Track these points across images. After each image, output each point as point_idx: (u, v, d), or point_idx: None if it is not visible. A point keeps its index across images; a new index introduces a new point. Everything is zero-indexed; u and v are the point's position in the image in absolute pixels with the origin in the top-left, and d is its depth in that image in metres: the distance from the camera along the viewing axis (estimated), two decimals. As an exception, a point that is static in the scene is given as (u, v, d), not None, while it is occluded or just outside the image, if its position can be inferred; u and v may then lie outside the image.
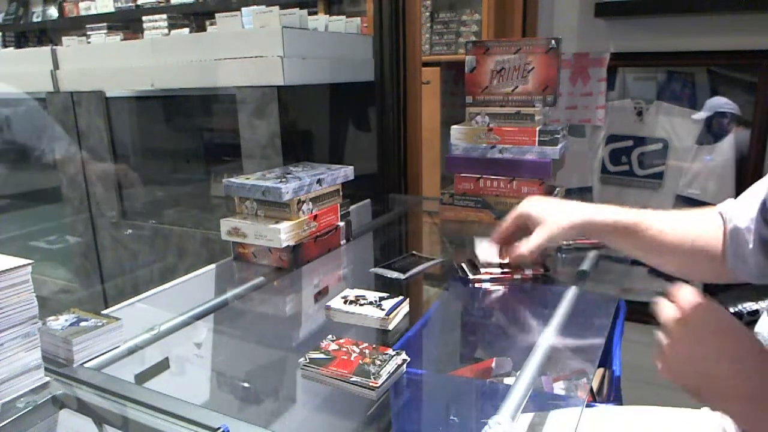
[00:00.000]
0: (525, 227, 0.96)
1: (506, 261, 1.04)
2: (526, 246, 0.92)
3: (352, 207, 1.37)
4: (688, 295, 0.62)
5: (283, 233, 1.10)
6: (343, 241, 1.31)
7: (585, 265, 1.12)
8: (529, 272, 1.11)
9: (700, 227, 0.84)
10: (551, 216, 0.92)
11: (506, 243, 1.01)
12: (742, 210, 0.79)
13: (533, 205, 0.96)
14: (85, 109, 1.89)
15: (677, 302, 0.62)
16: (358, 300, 0.97)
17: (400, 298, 0.97)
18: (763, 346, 0.60)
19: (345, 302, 0.96)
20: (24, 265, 0.66)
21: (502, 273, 1.11)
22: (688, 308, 0.61)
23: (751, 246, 0.75)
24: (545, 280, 1.10)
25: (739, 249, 0.78)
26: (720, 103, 1.83)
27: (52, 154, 2.04)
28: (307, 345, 0.82)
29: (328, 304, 0.96)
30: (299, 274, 1.17)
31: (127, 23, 2.63)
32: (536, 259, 1.04)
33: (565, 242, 1.26)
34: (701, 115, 1.83)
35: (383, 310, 0.93)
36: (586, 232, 0.93)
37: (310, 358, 0.78)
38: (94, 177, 1.93)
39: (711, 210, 0.87)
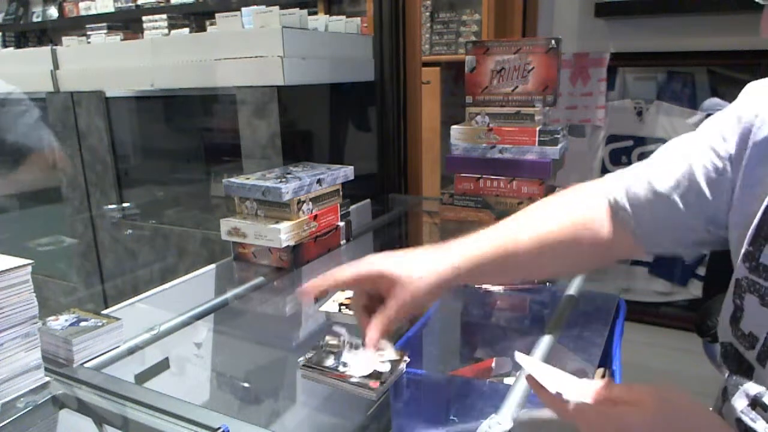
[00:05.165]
0: (373, 291, 0.73)
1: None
2: (381, 321, 0.69)
3: (352, 207, 1.37)
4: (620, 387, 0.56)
5: (283, 233, 1.10)
6: (343, 241, 1.30)
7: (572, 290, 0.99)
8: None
9: (576, 215, 0.76)
10: (409, 276, 0.70)
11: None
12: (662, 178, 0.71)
13: (382, 262, 0.73)
14: (85, 109, 1.89)
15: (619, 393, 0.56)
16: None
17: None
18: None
19: (339, 307, 0.96)
20: (24, 265, 0.66)
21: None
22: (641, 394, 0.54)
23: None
24: (545, 280, 1.10)
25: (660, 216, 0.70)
26: (711, 104, 1.83)
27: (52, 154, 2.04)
28: (307, 345, 0.82)
29: (320, 309, 0.95)
30: (299, 274, 1.17)
31: (127, 23, 2.63)
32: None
33: None
34: (696, 118, 1.84)
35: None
36: (451, 283, 0.73)
37: (309, 358, 0.78)
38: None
39: (590, 188, 0.79)
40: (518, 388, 0.67)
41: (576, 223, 0.75)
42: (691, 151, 0.70)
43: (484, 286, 1.10)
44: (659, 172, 0.72)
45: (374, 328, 0.70)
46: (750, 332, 0.60)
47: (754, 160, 0.62)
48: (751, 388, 0.58)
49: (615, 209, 0.74)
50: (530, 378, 0.59)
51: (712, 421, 0.55)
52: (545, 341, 0.79)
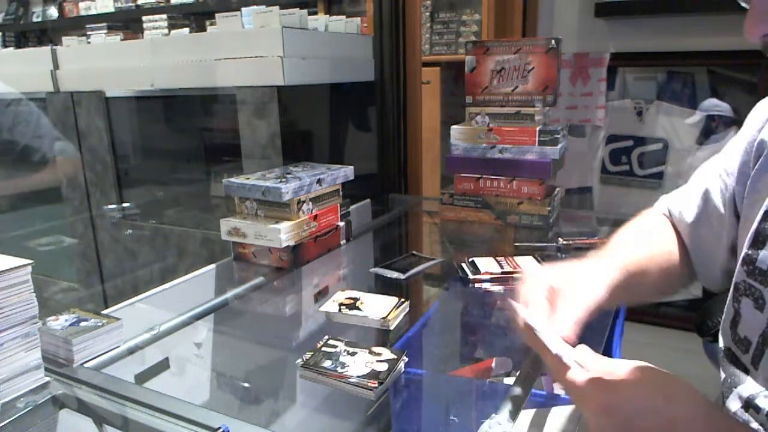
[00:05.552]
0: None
1: None
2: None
3: (352, 207, 1.37)
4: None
5: (283, 233, 1.10)
6: (343, 241, 1.31)
7: None
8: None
9: (668, 246, 0.78)
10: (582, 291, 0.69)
11: None
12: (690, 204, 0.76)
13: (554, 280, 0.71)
14: (85, 109, 1.89)
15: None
16: (354, 303, 0.97)
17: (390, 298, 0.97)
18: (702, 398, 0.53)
19: (339, 307, 0.96)
20: (24, 265, 0.66)
21: (502, 273, 1.11)
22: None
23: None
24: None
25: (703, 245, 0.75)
26: (709, 105, 1.83)
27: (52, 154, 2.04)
28: (307, 345, 0.82)
29: (320, 309, 0.96)
30: (299, 274, 1.17)
31: (127, 23, 2.63)
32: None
33: (564, 240, 1.26)
34: (694, 118, 1.84)
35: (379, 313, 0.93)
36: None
37: (307, 360, 0.78)
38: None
39: (656, 217, 0.82)
40: (518, 388, 0.67)
41: (665, 252, 0.78)
42: (708, 178, 0.75)
43: (485, 285, 1.10)
44: (690, 206, 0.77)
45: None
46: (745, 336, 0.61)
47: (761, 169, 0.64)
48: (744, 390, 0.58)
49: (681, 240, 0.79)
50: (535, 337, 0.58)
51: (696, 401, 0.53)
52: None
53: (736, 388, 0.59)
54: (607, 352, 1.25)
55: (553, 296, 0.68)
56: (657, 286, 0.78)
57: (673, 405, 0.51)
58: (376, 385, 0.71)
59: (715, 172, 0.74)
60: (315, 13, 2.57)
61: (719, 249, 0.74)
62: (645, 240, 0.80)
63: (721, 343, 0.67)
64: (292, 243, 1.13)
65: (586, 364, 0.56)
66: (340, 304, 0.96)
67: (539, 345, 0.59)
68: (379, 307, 0.94)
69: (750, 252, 0.61)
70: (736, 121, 1.79)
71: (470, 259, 1.16)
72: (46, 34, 3.67)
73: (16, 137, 1.91)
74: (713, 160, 0.77)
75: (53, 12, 3.48)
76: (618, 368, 0.55)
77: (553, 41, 1.35)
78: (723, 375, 0.64)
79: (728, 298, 0.65)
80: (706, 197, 0.74)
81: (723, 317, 0.66)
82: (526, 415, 0.85)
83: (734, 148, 0.72)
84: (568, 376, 0.56)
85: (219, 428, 0.60)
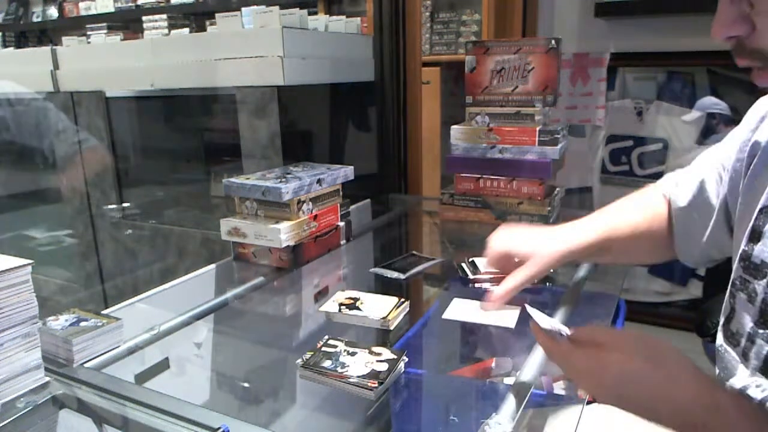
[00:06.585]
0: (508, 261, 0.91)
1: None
2: (512, 282, 0.88)
3: (352, 207, 1.37)
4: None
5: (283, 233, 1.10)
6: (343, 241, 1.31)
7: (582, 272, 1.07)
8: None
9: (650, 215, 0.87)
10: (538, 250, 0.88)
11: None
12: (686, 188, 0.82)
13: (511, 238, 0.92)
14: (85, 109, 1.89)
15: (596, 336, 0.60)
16: (354, 303, 0.97)
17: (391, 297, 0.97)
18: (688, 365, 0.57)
19: (339, 307, 0.96)
20: (24, 265, 0.66)
21: (502, 273, 1.11)
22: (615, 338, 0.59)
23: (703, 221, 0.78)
24: (545, 280, 1.10)
25: (687, 227, 0.82)
26: (709, 103, 1.83)
27: (52, 154, 2.04)
28: (307, 345, 0.82)
29: (320, 309, 0.96)
30: (299, 274, 1.17)
31: (127, 23, 2.63)
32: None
33: None
34: (692, 116, 1.84)
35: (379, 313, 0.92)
36: (567, 261, 0.89)
37: (307, 360, 0.78)
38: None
39: (654, 190, 0.90)
40: (518, 388, 0.67)
41: (653, 219, 0.87)
42: (706, 168, 0.79)
43: (485, 285, 1.10)
44: (685, 191, 0.82)
45: (504, 286, 0.88)
46: (737, 330, 0.61)
47: (758, 167, 0.65)
48: (736, 381, 0.59)
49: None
50: (534, 324, 0.63)
51: (684, 363, 0.57)
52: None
53: (728, 381, 0.60)
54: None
55: (508, 262, 0.90)
56: (631, 251, 0.89)
57: (662, 370, 0.55)
58: (376, 385, 0.71)
59: (713, 164, 0.78)
60: (315, 13, 2.57)
61: (702, 236, 0.79)
62: (628, 211, 0.89)
63: (718, 341, 0.68)
64: (292, 243, 1.13)
65: (577, 338, 0.60)
66: (340, 304, 0.96)
67: (535, 329, 0.63)
68: (379, 307, 0.94)
69: (746, 248, 0.61)
70: (736, 120, 1.79)
71: (470, 259, 1.16)
72: (46, 34, 3.67)
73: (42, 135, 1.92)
74: (714, 149, 0.80)
75: (53, 12, 3.48)
76: (608, 337, 0.59)
77: (553, 41, 1.35)
78: (717, 371, 0.65)
79: (726, 296, 0.65)
80: (702, 186, 0.78)
81: (721, 316, 0.67)
82: (526, 415, 0.85)
83: (732, 143, 0.74)
84: (560, 350, 0.59)
85: (219, 428, 0.60)
